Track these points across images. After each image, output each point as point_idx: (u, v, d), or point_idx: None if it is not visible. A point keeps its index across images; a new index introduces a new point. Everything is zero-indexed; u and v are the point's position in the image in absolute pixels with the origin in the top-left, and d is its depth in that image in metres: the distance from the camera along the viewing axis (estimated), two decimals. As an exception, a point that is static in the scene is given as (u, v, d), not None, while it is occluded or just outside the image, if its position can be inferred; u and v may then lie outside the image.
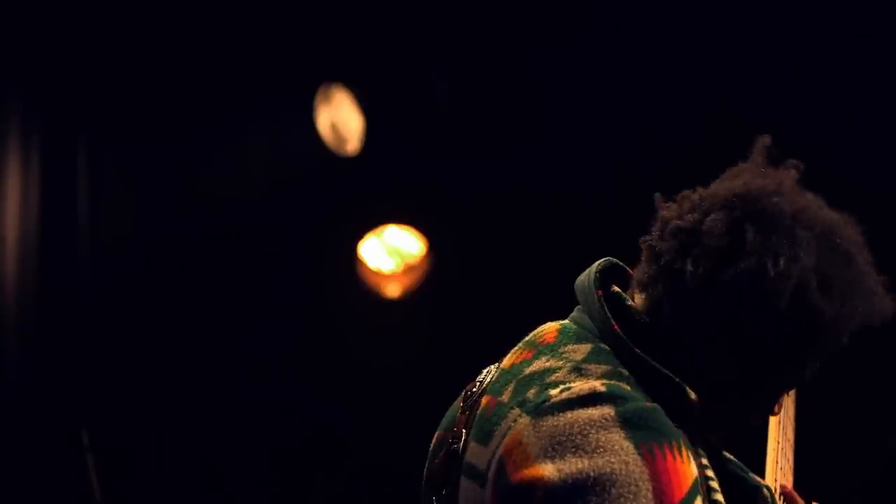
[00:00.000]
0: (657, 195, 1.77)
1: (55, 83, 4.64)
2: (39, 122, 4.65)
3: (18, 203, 4.56)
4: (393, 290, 5.00)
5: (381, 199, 4.91)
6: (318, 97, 4.87)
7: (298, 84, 4.84)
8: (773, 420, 2.13)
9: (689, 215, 1.70)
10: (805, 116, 3.89)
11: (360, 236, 4.96)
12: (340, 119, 4.90)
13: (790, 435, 2.16)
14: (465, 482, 1.71)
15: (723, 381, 1.70)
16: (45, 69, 4.59)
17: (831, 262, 1.66)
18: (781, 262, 1.62)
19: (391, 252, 4.96)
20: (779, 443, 2.09)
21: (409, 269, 4.97)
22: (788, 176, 1.73)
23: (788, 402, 2.20)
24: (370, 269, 4.97)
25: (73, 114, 4.73)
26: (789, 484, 2.09)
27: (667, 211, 1.74)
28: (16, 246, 4.56)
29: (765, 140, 1.77)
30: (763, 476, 2.02)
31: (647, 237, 1.74)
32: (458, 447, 1.74)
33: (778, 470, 2.06)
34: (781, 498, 2.03)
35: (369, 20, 4.74)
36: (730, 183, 1.72)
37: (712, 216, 1.67)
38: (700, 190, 1.74)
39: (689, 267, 1.66)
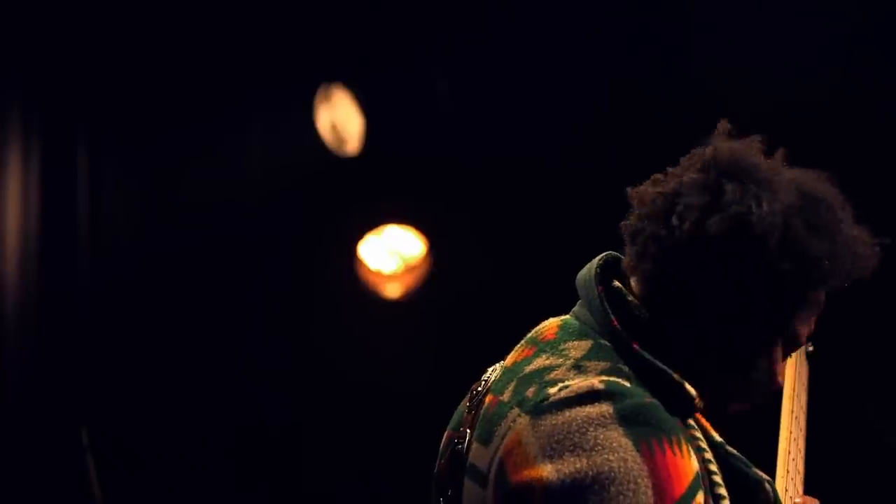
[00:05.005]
0: (629, 188, 1.77)
1: (55, 83, 4.64)
2: (39, 122, 4.65)
3: (19, 204, 4.56)
4: (393, 291, 4.99)
5: (381, 199, 4.91)
6: (318, 97, 4.87)
7: (298, 84, 4.84)
8: (784, 410, 2.11)
9: (664, 183, 1.71)
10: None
11: (360, 236, 4.95)
12: (340, 119, 4.89)
13: (802, 425, 2.15)
14: (468, 483, 1.70)
15: (725, 348, 1.69)
16: (45, 69, 4.59)
17: (812, 207, 1.67)
18: (765, 205, 1.63)
19: (391, 252, 4.96)
20: (790, 433, 2.09)
21: (409, 269, 4.97)
22: (754, 141, 1.74)
23: (802, 391, 2.18)
24: (370, 270, 4.97)
25: (73, 114, 4.73)
26: (801, 472, 2.08)
27: (640, 188, 1.74)
28: (16, 246, 4.55)
29: (724, 123, 1.77)
30: (773, 468, 2.02)
31: (625, 221, 1.74)
32: (463, 447, 1.73)
33: (790, 460, 2.05)
34: None
35: (369, 20, 4.74)
36: (698, 152, 1.73)
37: (689, 176, 1.68)
38: (670, 169, 1.75)
39: (675, 222, 1.66)
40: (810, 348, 2.37)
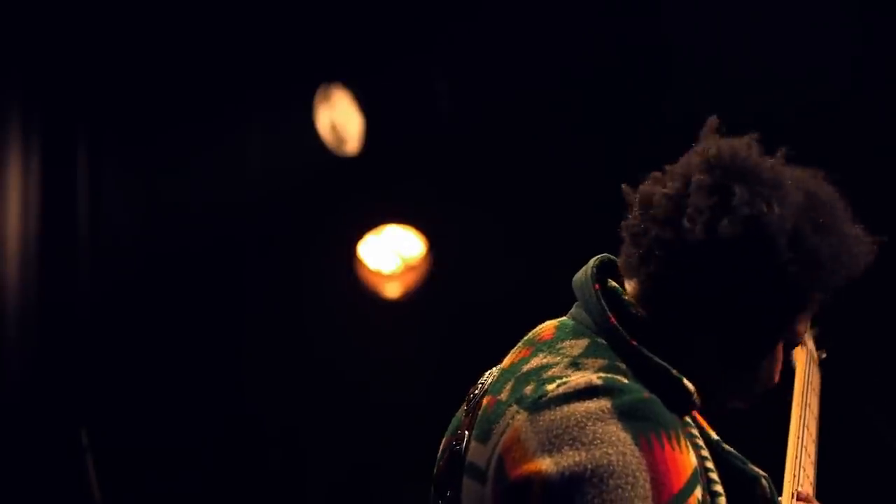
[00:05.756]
0: (624, 186, 1.77)
1: (55, 83, 4.64)
2: (39, 122, 4.65)
3: (19, 204, 4.56)
4: (393, 291, 4.99)
5: (381, 199, 4.91)
6: (318, 97, 4.88)
7: (298, 84, 4.85)
8: (794, 416, 2.11)
9: (670, 184, 1.70)
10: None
11: (360, 236, 4.95)
12: (340, 119, 4.90)
13: (813, 432, 2.14)
14: (467, 481, 1.70)
15: (729, 348, 1.70)
16: (44, 69, 4.59)
17: (817, 207, 1.68)
18: (776, 207, 1.64)
19: (391, 252, 4.96)
20: (800, 438, 2.08)
21: (409, 269, 4.97)
22: (749, 139, 1.74)
23: (814, 398, 2.18)
24: (370, 270, 4.96)
25: (73, 114, 4.73)
26: (810, 478, 2.07)
27: (643, 188, 1.74)
28: (16, 246, 4.55)
29: (714, 120, 1.77)
30: (783, 472, 2.01)
31: (626, 220, 1.74)
32: (461, 448, 1.74)
33: (798, 466, 2.04)
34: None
35: (369, 20, 4.74)
36: (699, 151, 1.73)
37: (695, 178, 1.68)
38: (669, 167, 1.74)
39: (687, 225, 1.65)
40: (823, 356, 2.37)
